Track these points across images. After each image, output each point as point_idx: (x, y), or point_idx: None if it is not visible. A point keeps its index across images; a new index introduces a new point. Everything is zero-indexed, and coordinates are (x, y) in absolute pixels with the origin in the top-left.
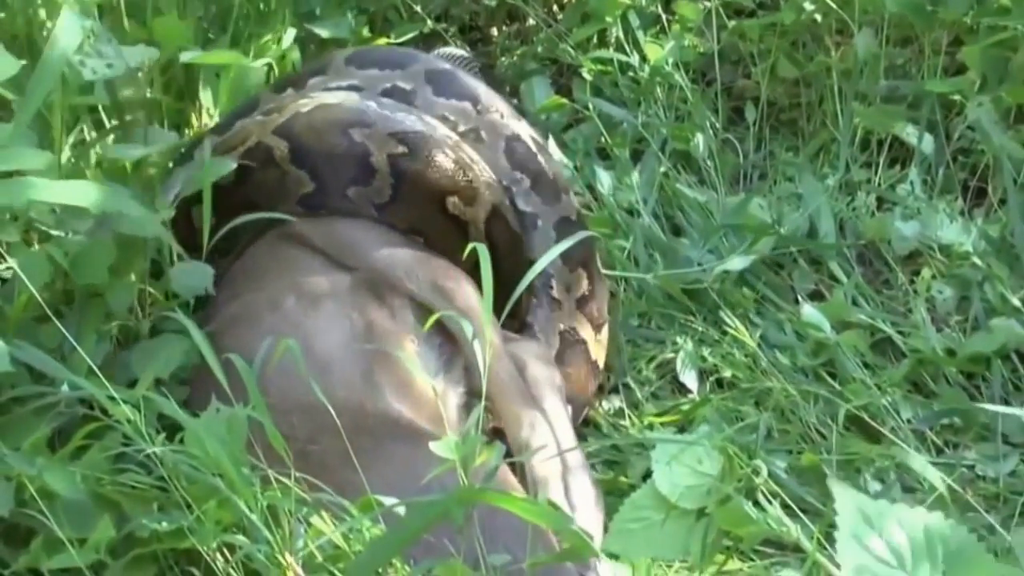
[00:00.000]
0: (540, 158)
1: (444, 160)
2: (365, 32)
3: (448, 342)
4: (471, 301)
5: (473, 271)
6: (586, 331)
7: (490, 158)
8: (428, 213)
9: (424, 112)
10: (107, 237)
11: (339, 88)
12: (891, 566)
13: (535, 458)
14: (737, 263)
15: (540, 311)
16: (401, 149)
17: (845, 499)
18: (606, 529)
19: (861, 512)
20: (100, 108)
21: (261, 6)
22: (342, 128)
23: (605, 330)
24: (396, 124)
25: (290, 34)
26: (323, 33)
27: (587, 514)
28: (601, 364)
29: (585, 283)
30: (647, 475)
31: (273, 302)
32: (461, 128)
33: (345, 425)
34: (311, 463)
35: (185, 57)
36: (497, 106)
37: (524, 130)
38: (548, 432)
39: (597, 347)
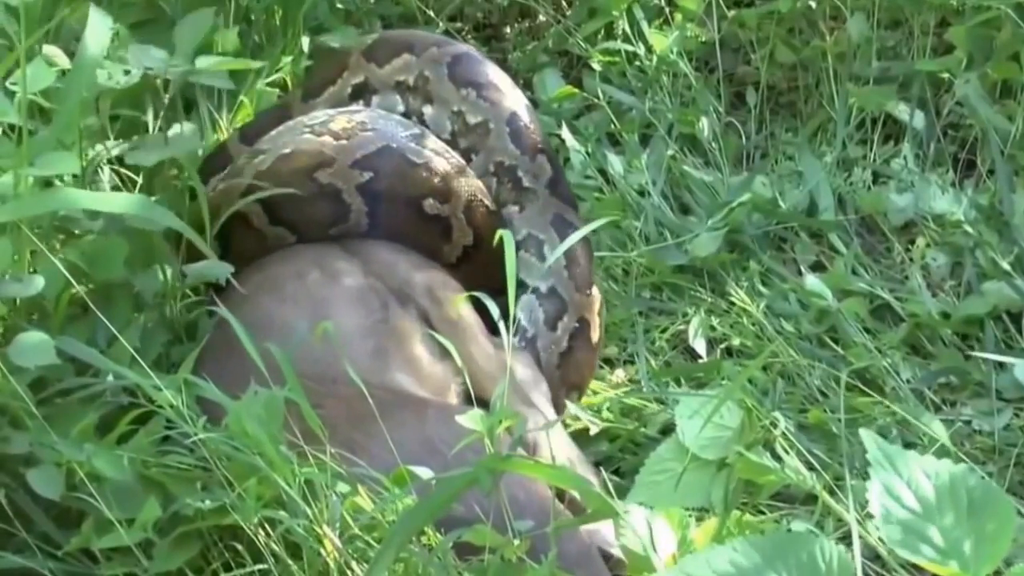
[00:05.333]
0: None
1: (410, 168)
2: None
3: None
4: (462, 311)
5: (459, 264)
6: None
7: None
8: (407, 222)
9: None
10: (119, 234)
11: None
12: (918, 514)
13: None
14: (708, 243)
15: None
16: (367, 175)
17: (875, 448)
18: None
19: (890, 461)
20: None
21: (277, 20)
22: (307, 174)
23: (595, 290)
24: (356, 151)
25: (304, 43)
26: (333, 43)
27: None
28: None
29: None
30: (664, 429)
31: (299, 273)
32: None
33: (354, 393)
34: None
35: (202, 63)
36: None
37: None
38: (539, 414)
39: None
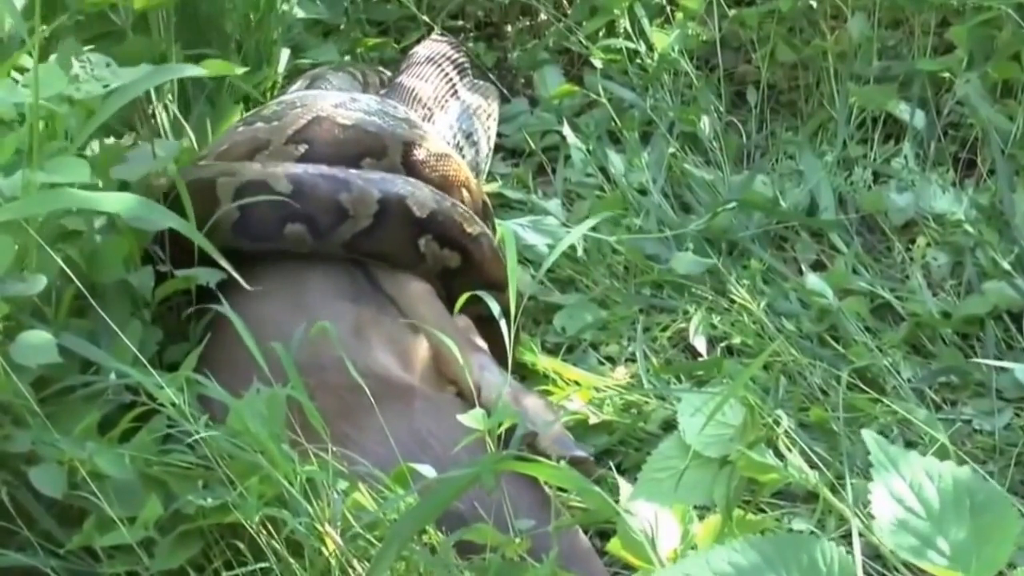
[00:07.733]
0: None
1: (341, 132)
2: (371, 41)
3: None
4: (416, 290)
5: None
6: None
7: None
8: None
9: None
10: (118, 234)
11: None
12: (921, 517)
13: (490, 389)
14: (688, 263)
15: None
16: (302, 148)
17: (878, 450)
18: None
19: (893, 462)
20: None
21: (252, 25)
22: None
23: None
24: (288, 128)
25: (284, 55)
26: (317, 58)
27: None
28: None
29: None
30: (665, 426)
31: (270, 270)
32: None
33: (341, 382)
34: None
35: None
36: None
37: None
38: (495, 367)
39: None
